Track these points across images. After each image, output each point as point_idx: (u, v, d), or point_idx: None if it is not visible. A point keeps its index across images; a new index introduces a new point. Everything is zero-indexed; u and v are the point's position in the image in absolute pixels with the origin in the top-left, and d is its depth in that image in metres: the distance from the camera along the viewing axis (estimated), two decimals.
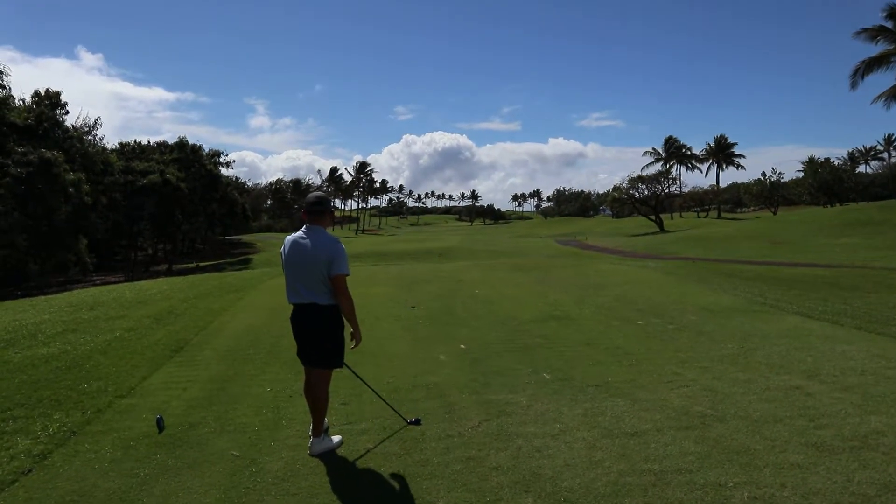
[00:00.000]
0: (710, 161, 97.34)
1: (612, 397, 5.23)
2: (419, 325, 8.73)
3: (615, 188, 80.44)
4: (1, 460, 4.23)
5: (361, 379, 5.22)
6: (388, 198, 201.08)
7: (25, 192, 33.11)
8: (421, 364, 6.61)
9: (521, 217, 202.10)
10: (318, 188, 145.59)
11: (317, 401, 4.41)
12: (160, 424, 4.78)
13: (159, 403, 5.39)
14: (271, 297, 11.97)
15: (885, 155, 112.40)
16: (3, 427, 4.86)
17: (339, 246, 4.36)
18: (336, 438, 4.44)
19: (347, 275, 4.38)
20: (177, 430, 4.72)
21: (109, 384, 6.03)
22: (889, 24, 41.30)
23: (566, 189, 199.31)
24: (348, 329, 4.50)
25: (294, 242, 4.43)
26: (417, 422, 4.76)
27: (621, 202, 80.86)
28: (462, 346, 7.38)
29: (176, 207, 56.33)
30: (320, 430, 4.38)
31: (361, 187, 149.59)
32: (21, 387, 6.00)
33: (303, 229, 4.47)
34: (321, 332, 4.39)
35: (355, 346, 4.51)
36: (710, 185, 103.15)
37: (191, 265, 58.62)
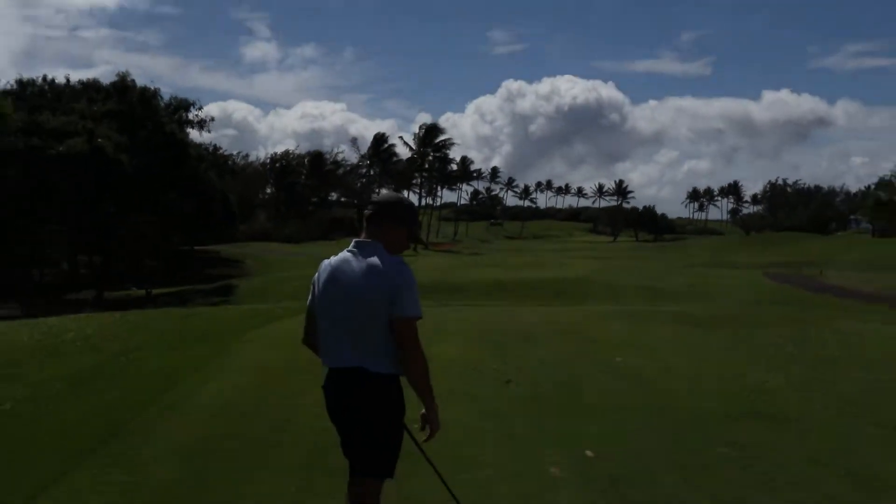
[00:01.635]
0: None
1: None
2: (517, 414, 8.79)
3: (881, 184, 78.50)
4: None
5: (438, 473, 5.33)
6: (472, 189, 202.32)
7: None
8: (519, 481, 6.65)
9: (705, 230, 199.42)
10: (354, 169, 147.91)
11: None
12: None
13: None
14: (267, 353, 12.31)
15: None
16: None
17: (407, 272, 4.53)
18: None
19: (419, 318, 4.53)
20: None
21: None
22: None
23: (788, 183, 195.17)
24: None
25: (334, 268, 4.66)
26: None
27: (892, 209, 78.69)
28: (589, 452, 7.40)
29: (110, 195, 57.86)
30: None
31: (428, 170, 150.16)
32: None
33: (351, 245, 4.69)
34: (370, 416, 4.63)
35: (429, 437, 4.81)
36: None
37: (138, 293, 60.63)
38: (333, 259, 4.70)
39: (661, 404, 9.29)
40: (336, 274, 4.60)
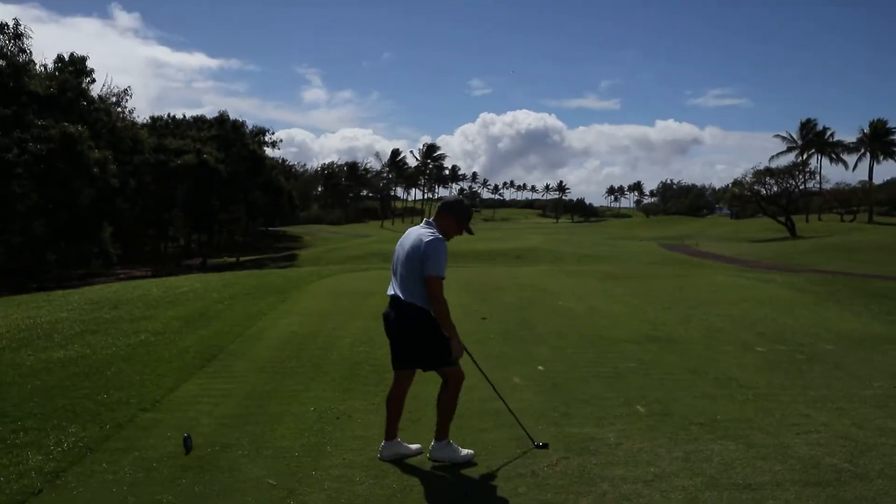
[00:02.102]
0: (862, 151, 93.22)
1: (720, 439, 5.12)
2: (490, 341, 8.77)
3: (735, 182, 78.18)
4: (10, 477, 4.51)
5: (493, 385, 5.57)
6: (459, 187, 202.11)
7: (45, 171, 34.64)
8: (491, 387, 6.62)
9: (618, 214, 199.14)
10: (378, 174, 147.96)
11: (443, 405, 4.90)
12: (187, 444, 4.98)
13: (187, 420, 5.62)
14: (319, 300, 12.27)
15: None
16: (13, 440, 5.18)
17: (435, 244, 4.70)
18: (465, 452, 4.82)
19: (440, 277, 4.68)
20: (206, 452, 4.92)
21: (132, 395, 6.33)
22: None
23: (674, 182, 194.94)
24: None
25: (404, 236, 4.99)
26: (545, 445, 4.98)
27: (743, 200, 78.49)
28: (540, 367, 7.38)
29: (213, 193, 58.38)
30: (443, 434, 4.84)
31: (428, 174, 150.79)
32: (34, 394, 6.38)
33: (422, 223, 5.01)
34: (401, 329, 4.83)
35: (455, 356, 4.87)
36: (861, 182, 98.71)
37: (230, 259, 60.68)
38: (409, 229, 5.01)
39: (589, 333, 9.26)
40: (402, 239, 4.96)
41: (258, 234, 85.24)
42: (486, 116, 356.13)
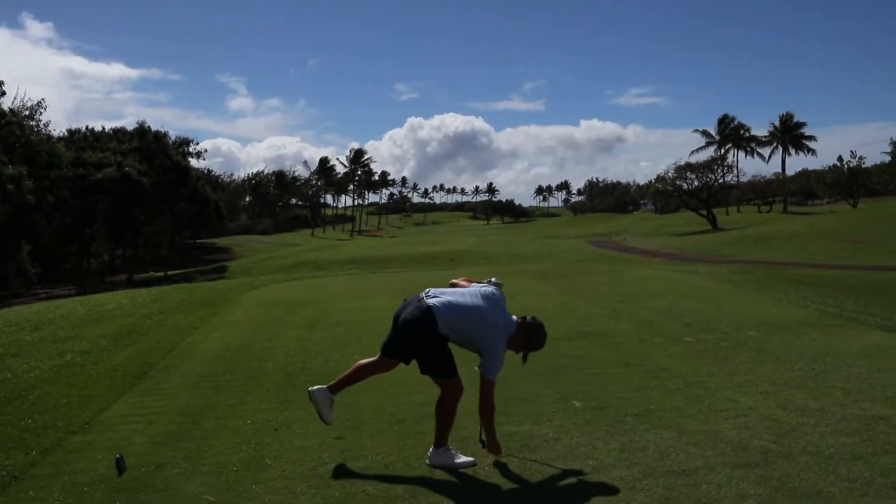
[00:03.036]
0: (775, 145, 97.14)
1: (654, 429, 5.25)
2: None
3: (658, 178, 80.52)
4: None
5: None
6: (388, 192, 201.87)
7: None
8: (430, 390, 6.59)
9: (547, 214, 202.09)
10: (306, 182, 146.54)
11: (440, 413, 4.96)
12: (120, 465, 4.83)
13: (119, 440, 5.45)
14: (251, 311, 12.09)
15: None
16: None
17: (502, 347, 4.91)
18: (464, 459, 4.77)
19: (493, 382, 4.84)
20: (140, 473, 4.78)
21: (58, 418, 6.10)
22: None
23: (600, 180, 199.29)
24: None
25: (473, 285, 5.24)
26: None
27: (666, 195, 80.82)
28: (476, 368, 7.40)
29: (136, 206, 56.85)
30: (439, 441, 4.85)
31: (357, 180, 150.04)
32: None
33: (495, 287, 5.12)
34: (418, 334, 4.91)
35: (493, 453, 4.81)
36: (775, 174, 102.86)
37: (157, 274, 59.14)
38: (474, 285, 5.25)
39: None
40: (472, 288, 5.20)
41: (186, 247, 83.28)
42: (413, 121, 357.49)
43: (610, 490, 4.19)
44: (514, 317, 5.01)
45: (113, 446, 5.27)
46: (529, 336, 4.96)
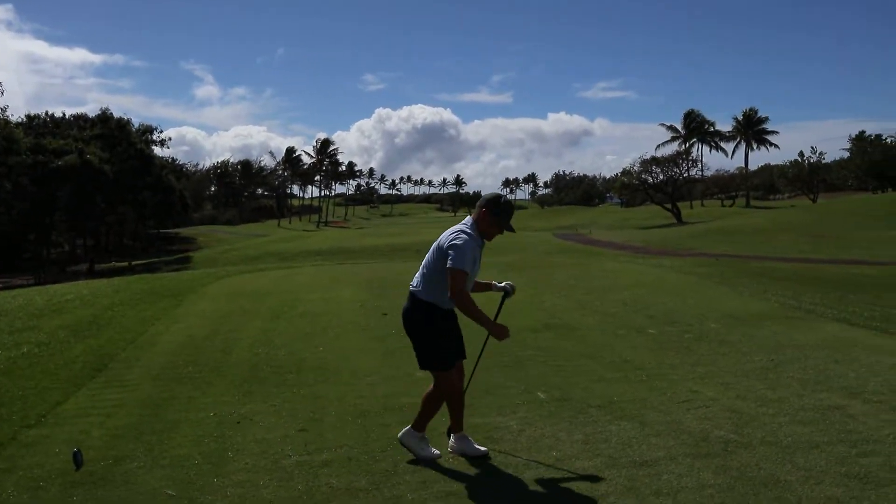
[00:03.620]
0: (738, 139, 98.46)
1: (617, 420, 5.30)
2: (392, 336, 8.72)
3: (624, 172, 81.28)
4: None
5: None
6: (356, 183, 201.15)
7: None
8: (394, 382, 6.65)
9: (515, 206, 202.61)
10: (272, 172, 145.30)
11: (426, 401, 4.82)
12: (77, 459, 4.73)
13: (77, 434, 5.35)
14: (215, 302, 11.96)
15: None
16: None
17: (461, 235, 4.60)
18: (432, 452, 4.72)
19: (459, 270, 4.50)
20: (98, 466, 4.69)
21: (14, 412, 5.98)
22: None
23: (567, 173, 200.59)
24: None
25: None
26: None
27: (632, 188, 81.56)
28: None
29: (98, 194, 55.87)
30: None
31: (324, 171, 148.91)
32: None
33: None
34: (407, 322, 4.82)
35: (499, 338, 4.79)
36: (738, 168, 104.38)
37: (120, 264, 58.24)
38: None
39: None
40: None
41: (149, 237, 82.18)
42: (381, 112, 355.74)
43: (573, 481, 4.22)
44: None
45: (70, 440, 5.17)
46: (488, 208, 4.67)
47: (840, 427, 4.96)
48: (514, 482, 4.29)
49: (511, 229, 4.81)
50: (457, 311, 4.82)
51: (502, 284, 5.20)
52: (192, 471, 4.58)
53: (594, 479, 4.23)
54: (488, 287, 5.16)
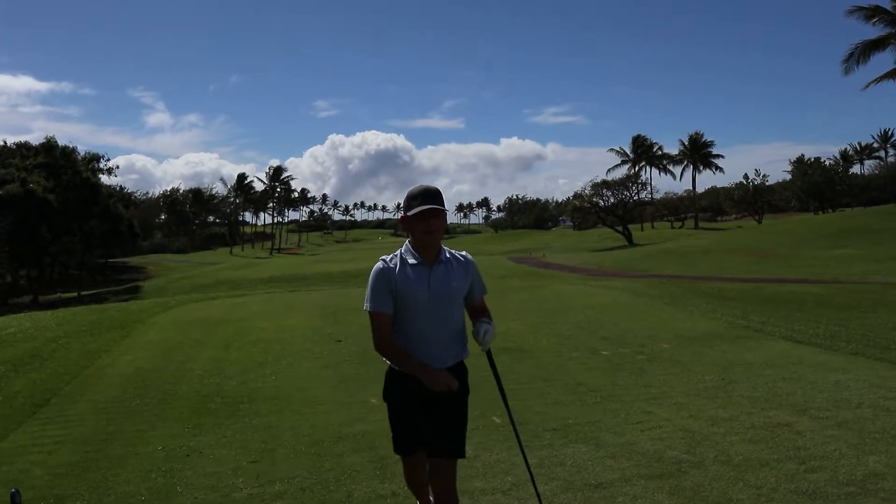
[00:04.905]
0: (685, 163, 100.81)
1: (572, 443, 5.31)
2: (346, 363, 8.70)
3: (576, 195, 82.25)
4: None
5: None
6: (309, 210, 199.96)
7: None
8: (348, 410, 6.58)
9: (468, 230, 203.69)
10: (224, 199, 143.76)
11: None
12: (15, 500, 4.55)
13: (16, 473, 5.17)
14: (165, 332, 11.76)
15: (882, 154, 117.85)
16: None
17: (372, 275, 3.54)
18: None
19: (371, 312, 3.49)
20: None
21: None
22: (887, 6, 43.85)
23: (520, 197, 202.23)
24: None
25: None
26: None
27: (583, 212, 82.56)
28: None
29: (43, 224, 54.54)
30: None
31: (277, 198, 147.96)
32: None
33: None
34: None
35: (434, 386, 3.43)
36: (686, 191, 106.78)
37: (67, 295, 56.80)
38: None
39: None
40: None
41: (97, 267, 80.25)
42: (334, 138, 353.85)
43: None
44: None
45: (9, 480, 4.98)
46: (406, 211, 3.45)
47: (789, 444, 5.04)
48: None
49: (429, 205, 3.35)
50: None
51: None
52: None
53: (550, 502, 4.22)
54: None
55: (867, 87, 45.98)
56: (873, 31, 44.91)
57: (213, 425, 6.25)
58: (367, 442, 5.50)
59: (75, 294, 56.80)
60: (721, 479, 4.45)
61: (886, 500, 4.05)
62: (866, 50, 44.35)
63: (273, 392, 7.43)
